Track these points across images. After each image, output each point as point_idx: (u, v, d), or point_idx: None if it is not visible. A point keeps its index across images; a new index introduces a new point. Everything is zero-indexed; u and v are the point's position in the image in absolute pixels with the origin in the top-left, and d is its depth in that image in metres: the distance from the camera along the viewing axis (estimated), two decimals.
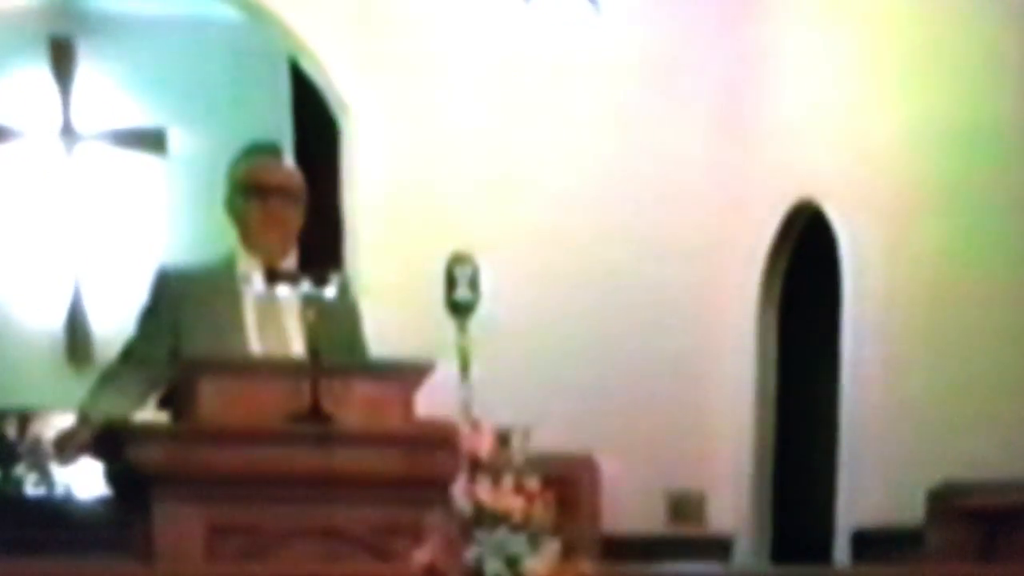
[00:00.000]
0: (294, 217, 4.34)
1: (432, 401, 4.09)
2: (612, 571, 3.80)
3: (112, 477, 4.20)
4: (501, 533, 3.01)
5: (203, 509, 3.91)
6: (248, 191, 4.32)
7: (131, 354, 4.31)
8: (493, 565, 3.00)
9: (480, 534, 3.02)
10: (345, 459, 3.97)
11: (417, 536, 3.43)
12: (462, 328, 3.84)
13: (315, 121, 7.00)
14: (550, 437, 3.46)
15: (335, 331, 4.18)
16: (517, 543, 3.02)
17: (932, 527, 5.16)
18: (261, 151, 4.50)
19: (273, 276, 4.23)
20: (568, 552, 3.07)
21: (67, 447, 4.17)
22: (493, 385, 4.09)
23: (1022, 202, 5.41)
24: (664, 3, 6.78)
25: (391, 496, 3.98)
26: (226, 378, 4.02)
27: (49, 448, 5.23)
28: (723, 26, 6.77)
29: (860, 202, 6.11)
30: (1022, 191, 5.41)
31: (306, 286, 4.11)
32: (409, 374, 4.14)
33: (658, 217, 6.74)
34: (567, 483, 3.45)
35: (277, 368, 4.12)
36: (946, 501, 5.12)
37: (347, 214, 6.66)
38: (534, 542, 3.03)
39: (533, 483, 3.07)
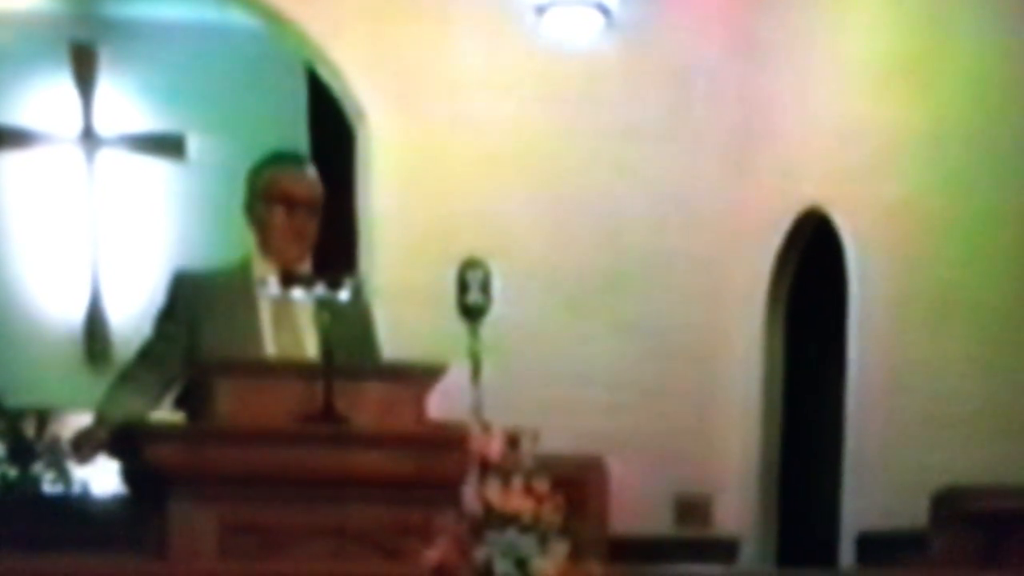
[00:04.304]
0: (314, 227, 4.38)
1: (443, 403, 4.13)
2: (619, 572, 3.79)
3: (128, 476, 4.25)
4: (510, 534, 3.03)
5: (217, 508, 3.95)
6: (273, 200, 4.34)
7: (148, 355, 4.35)
8: (502, 565, 3.01)
9: (490, 535, 3.02)
10: (357, 460, 4.00)
11: (427, 536, 3.44)
12: (473, 332, 3.88)
13: (331, 127, 7.00)
14: (559, 439, 3.50)
15: (348, 334, 4.21)
16: (526, 544, 3.03)
17: (936, 531, 5.13)
18: (287, 160, 4.52)
19: (288, 279, 4.25)
20: (576, 553, 3.08)
21: (84, 446, 4.21)
22: (503, 388, 4.14)
23: None
24: (675, 15, 6.79)
25: (402, 496, 4.01)
26: (241, 379, 4.06)
27: (67, 447, 5.26)
28: (733, 38, 6.79)
29: (866, 209, 6.12)
30: None
31: (320, 289, 4.13)
32: (421, 376, 4.17)
33: (667, 225, 6.74)
34: (576, 485, 3.47)
35: (291, 370, 4.16)
36: (950, 505, 5.09)
37: (361, 219, 6.67)
38: (543, 543, 3.04)
39: (542, 485, 3.08)
